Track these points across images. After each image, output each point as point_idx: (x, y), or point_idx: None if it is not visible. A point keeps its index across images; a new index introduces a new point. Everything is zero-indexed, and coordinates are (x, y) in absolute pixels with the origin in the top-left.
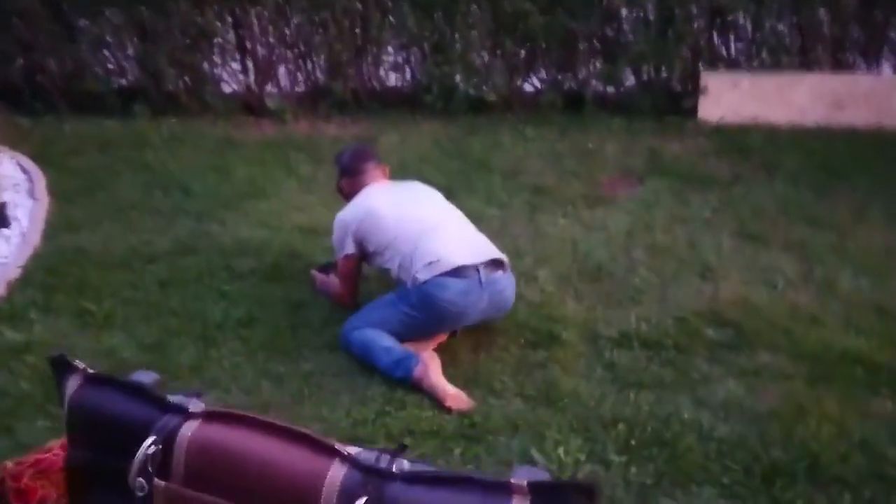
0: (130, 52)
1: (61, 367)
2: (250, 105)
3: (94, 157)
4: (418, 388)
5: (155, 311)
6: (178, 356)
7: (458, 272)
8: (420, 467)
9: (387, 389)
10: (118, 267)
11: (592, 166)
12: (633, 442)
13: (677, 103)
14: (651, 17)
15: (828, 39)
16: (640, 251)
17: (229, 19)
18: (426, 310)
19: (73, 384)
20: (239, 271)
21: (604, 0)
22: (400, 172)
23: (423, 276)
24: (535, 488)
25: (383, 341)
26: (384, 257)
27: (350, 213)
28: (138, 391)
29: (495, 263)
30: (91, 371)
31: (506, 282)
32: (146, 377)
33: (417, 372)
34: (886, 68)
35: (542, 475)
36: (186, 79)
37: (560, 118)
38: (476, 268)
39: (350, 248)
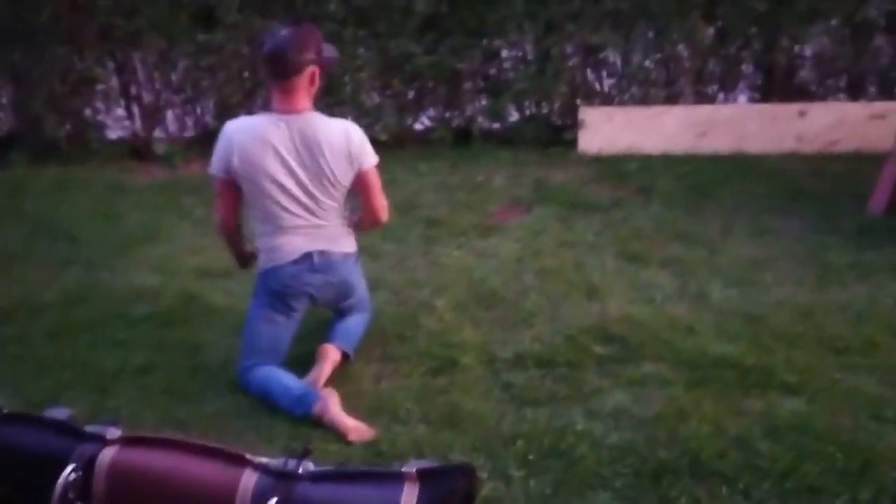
0: (4, 99)
1: None
2: (138, 150)
3: None
4: (319, 423)
5: (45, 366)
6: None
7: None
8: (323, 467)
9: (291, 427)
10: (2, 320)
11: (483, 197)
12: (531, 456)
13: (559, 135)
14: (530, 57)
15: (689, 73)
16: (530, 275)
17: (111, 64)
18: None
19: None
20: (133, 318)
21: (485, 41)
22: None
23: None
24: (422, 474)
25: (280, 379)
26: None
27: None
28: (54, 424)
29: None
30: (4, 410)
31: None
32: (60, 413)
33: (317, 408)
34: (742, 98)
35: (430, 464)
36: (67, 125)
37: (450, 153)
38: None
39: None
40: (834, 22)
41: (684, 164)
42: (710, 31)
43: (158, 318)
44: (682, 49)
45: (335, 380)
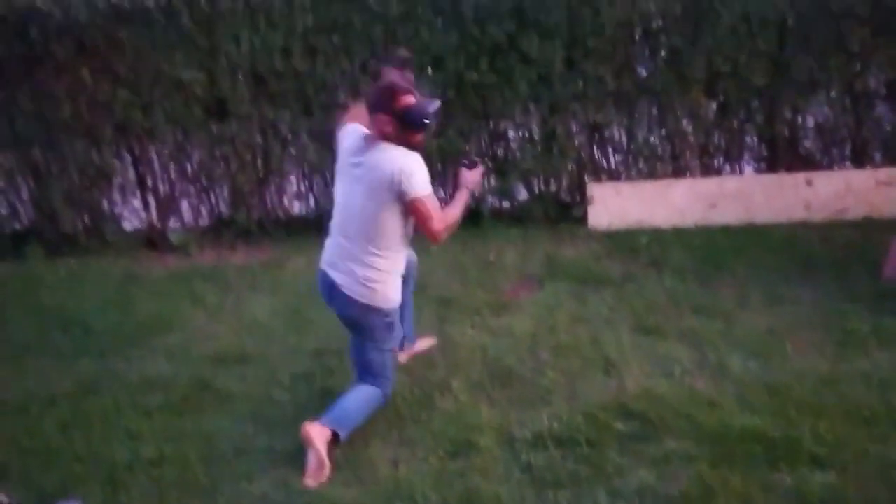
0: (25, 194)
1: None
2: (153, 240)
3: None
4: None
5: (56, 458)
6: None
7: None
8: None
9: None
10: (13, 413)
11: (495, 275)
12: None
13: (568, 212)
14: (536, 136)
15: (694, 146)
16: (546, 352)
17: (128, 157)
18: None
19: None
20: (146, 408)
21: (491, 122)
22: (309, 296)
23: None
24: None
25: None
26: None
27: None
28: None
29: None
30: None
31: None
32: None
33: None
34: (748, 169)
35: None
36: (85, 218)
37: (461, 232)
38: None
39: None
40: (834, 92)
41: (695, 237)
42: (713, 105)
43: (171, 407)
44: (685, 124)
45: (352, 465)
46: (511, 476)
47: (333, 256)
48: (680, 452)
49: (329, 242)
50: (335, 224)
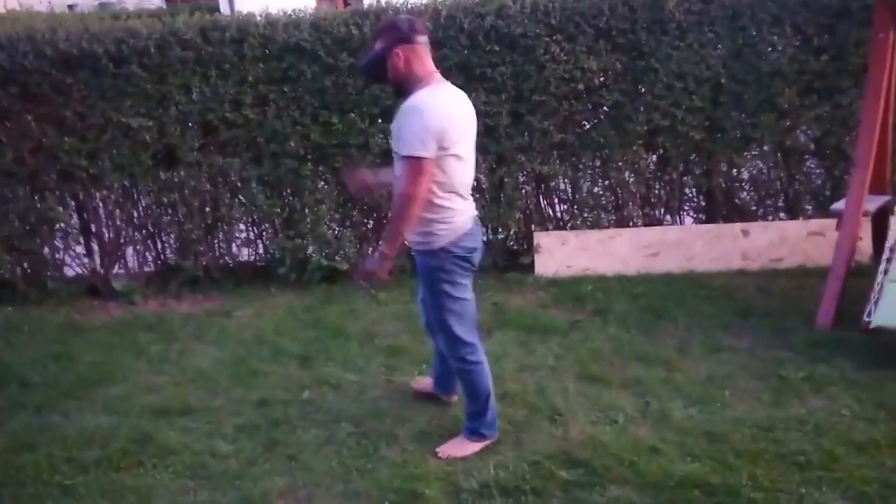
0: None
1: None
2: (96, 288)
3: None
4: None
5: None
6: None
7: (477, 223)
8: None
9: None
10: None
11: None
12: None
13: (516, 260)
14: (484, 186)
15: (636, 197)
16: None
17: (72, 203)
18: (464, 265)
19: None
20: (83, 463)
21: None
22: (255, 345)
23: (453, 233)
24: None
25: (491, 394)
26: (436, 182)
27: (434, 115)
28: None
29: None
30: None
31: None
32: None
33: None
34: (688, 220)
35: None
36: (24, 265)
37: (410, 281)
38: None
39: (432, 152)
40: (766, 147)
41: (638, 285)
42: (653, 158)
43: (109, 461)
44: (627, 175)
45: None
46: None
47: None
48: (623, 500)
49: (468, 188)
50: (470, 167)
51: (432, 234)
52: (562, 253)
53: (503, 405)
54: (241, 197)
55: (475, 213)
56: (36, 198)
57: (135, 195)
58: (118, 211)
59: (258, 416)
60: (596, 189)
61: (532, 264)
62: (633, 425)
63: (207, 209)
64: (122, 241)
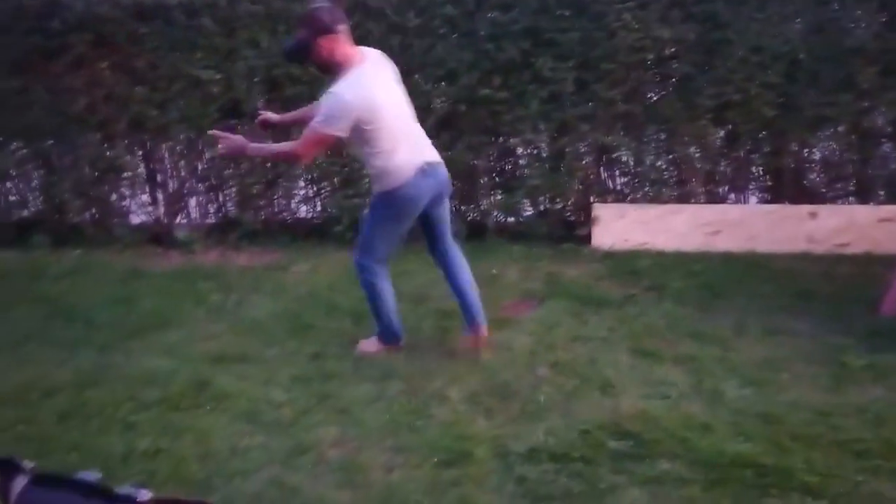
0: (35, 183)
1: (7, 468)
2: (159, 236)
3: None
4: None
5: (52, 447)
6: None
7: (421, 171)
8: None
9: None
10: (12, 402)
11: (496, 290)
12: None
13: (572, 231)
14: (544, 154)
15: (700, 174)
16: (543, 369)
17: (139, 152)
18: (400, 208)
19: (18, 485)
20: (145, 402)
21: (500, 139)
22: (310, 300)
23: (397, 180)
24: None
25: (392, 305)
26: (369, 148)
27: (353, 95)
28: (86, 486)
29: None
30: (38, 471)
31: (443, 168)
32: (90, 476)
33: (391, 346)
34: (752, 199)
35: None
36: (92, 210)
37: (464, 246)
38: (427, 163)
39: (342, 132)
40: (841, 128)
41: (696, 263)
42: (720, 134)
43: (169, 402)
44: (692, 151)
45: (345, 469)
46: (504, 487)
47: (422, 146)
48: (672, 474)
49: (408, 141)
50: (404, 124)
51: (376, 184)
52: (620, 226)
53: (554, 373)
54: None
55: (424, 160)
56: (105, 145)
57: (199, 147)
58: (183, 162)
59: (311, 369)
60: (659, 163)
61: (589, 236)
62: (686, 401)
63: (269, 165)
64: (185, 191)
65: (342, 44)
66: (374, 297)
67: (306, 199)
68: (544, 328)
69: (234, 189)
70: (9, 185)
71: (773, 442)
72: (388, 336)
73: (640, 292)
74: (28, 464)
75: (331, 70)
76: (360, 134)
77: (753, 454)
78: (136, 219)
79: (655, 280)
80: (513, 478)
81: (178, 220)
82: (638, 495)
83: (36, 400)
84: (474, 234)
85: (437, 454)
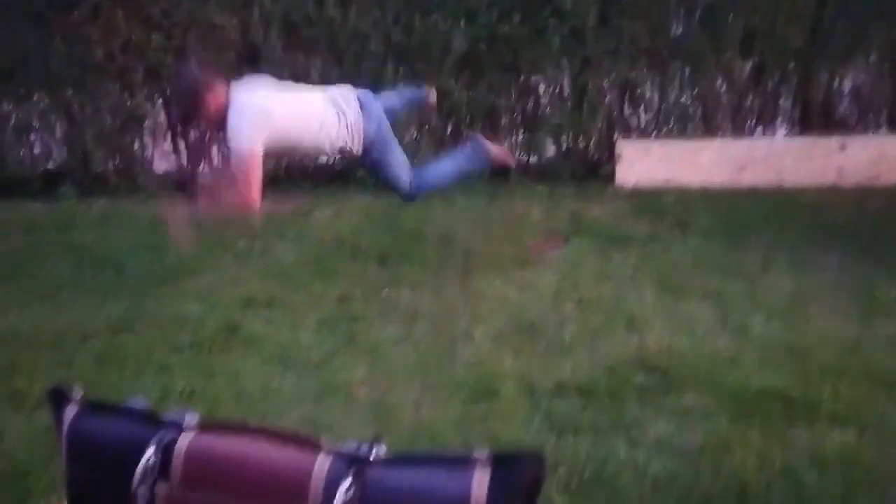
0: (58, 134)
1: (59, 397)
2: (183, 183)
3: (18, 240)
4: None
5: (91, 389)
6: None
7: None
8: (395, 453)
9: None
10: (50, 347)
11: (520, 230)
12: (573, 484)
13: (595, 170)
14: (566, 92)
15: (727, 108)
16: (569, 307)
17: (160, 100)
18: (379, 143)
19: (70, 412)
20: (178, 345)
21: (521, 76)
22: (335, 245)
23: (354, 134)
24: (494, 459)
25: (449, 167)
26: (307, 143)
27: (252, 134)
28: (134, 412)
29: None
30: (88, 399)
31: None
32: (139, 402)
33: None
34: (780, 132)
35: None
36: (116, 159)
37: (487, 187)
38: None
39: (259, 143)
40: (872, 58)
41: (722, 199)
42: (747, 66)
43: (201, 345)
44: (718, 84)
45: (374, 407)
46: (532, 422)
47: (345, 97)
48: (699, 407)
49: (330, 109)
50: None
51: (354, 150)
52: (644, 163)
53: (580, 311)
54: None
55: (349, 107)
56: (125, 94)
57: None
58: None
59: (338, 312)
60: (683, 98)
61: (613, 174)
62: (712, 336)
63: None
64: (206, 138)
65: (216, 90)
66: (445, 181)
67: None
68: (569, 267)
69: None
70: (33, 137)
71: (800, 374)
72: (477, 156)
73: (664, 229)
74: (77, 393)
75: (221, 118)
76: (286, 139)
77: (780, 387)
78: (159, 167)
79: (681, 217)
80: (540, 412)
81: (201, 167)
82: (664, 427)
83: (73, 345)
84: (496, 174)
85: (465, 391)
